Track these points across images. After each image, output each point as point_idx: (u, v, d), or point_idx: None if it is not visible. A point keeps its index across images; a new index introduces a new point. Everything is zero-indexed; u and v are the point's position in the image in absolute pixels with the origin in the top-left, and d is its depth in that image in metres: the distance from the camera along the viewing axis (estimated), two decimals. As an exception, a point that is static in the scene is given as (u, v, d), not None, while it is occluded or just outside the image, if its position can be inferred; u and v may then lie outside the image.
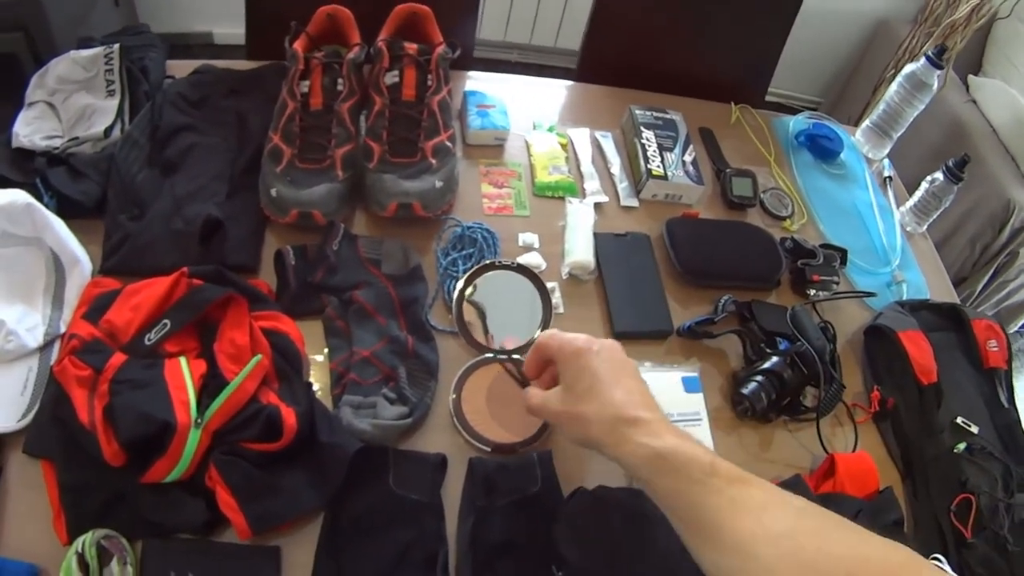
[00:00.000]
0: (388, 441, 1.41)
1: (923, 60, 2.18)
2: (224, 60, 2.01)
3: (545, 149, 2.05)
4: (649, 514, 1.30)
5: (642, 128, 2.09)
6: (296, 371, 1.44)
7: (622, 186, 2.04)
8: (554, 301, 1.69)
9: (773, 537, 1.00)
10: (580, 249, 1.79)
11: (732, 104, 2.44)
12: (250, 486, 1.24)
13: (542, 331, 1.62)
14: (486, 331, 1.63)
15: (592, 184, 2.02)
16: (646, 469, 1.10)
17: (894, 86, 2.29)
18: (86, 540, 1.15)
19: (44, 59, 1.78)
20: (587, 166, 2.06)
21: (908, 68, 2.23)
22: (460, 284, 1.65)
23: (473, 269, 1.67)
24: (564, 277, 1.78)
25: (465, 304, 1.64)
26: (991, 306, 4.12)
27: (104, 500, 1.23)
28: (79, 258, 1.48)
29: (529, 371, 1.35)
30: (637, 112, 2.14)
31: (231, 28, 4.41)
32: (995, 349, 1.79)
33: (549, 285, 1.71)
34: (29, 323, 1.38)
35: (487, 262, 1.69)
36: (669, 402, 1.53)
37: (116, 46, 1.77)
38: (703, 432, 1.52)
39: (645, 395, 1.19)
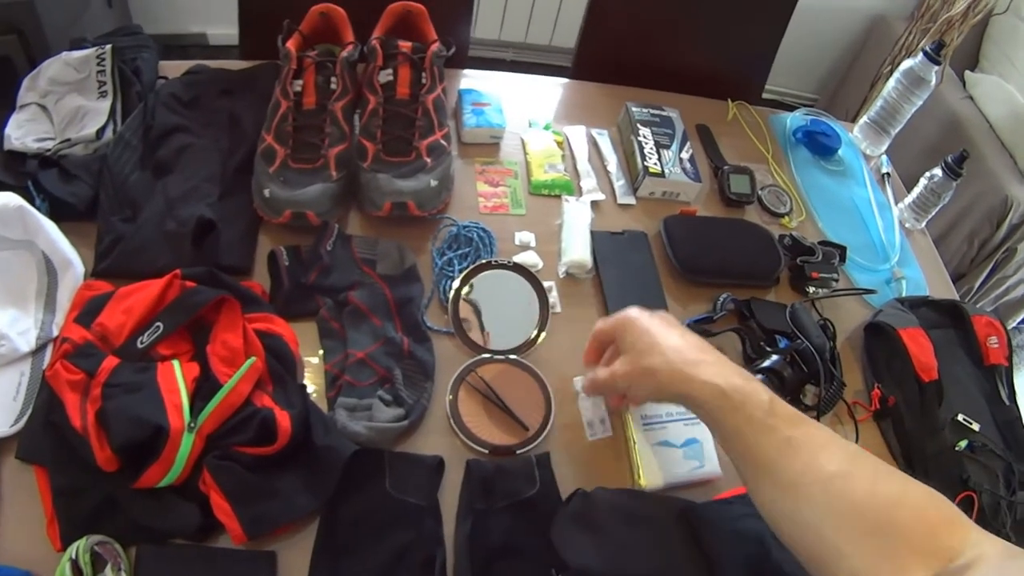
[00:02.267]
0: (384, 444, 1.40)
1: (921, 56, 2.18)
2: (218, 60, 2.00)
3: (541, 147, 2.04)
4: (649, 515, 1.30)
5: (639, 125, 2.08)
6: (290, 373, 1.43)
7: (619, 184, 2.03)
8: (551, 300, 1.67)
9: (826, 477, 1.08)
10: (577, 248, 1.79)
11: (729, 101, 2.43)
12: (244, 490, 1.23)
13: (539, 331, 1.62)
14: (482, 331, 1.62)
15: (589, 182, 2.01)
16: (710, 406, 1.20)
17: (892, 82, 2.28)
18: (80, 546, 1.14)
19: (38, 61, 1.77)
20: (583, 164, 2.05)
21: (906, 64, 2.22)
22: (456, 284, 1.64)
23: (469, 269, 1.66)
24: (561, 276, 1.77)
25: (461, 304, 1.63)
26: (989, 302, 4.12)
27: (97, 505, 1.21)
28: (71, 261, 1.47)
29: (589, 358, 1.45)
30: (634, 109, 2.13)
31: (225, 29, 4.42)
32: (995, 346, 1.78)
33: (546, 284, 1.69)
34: (21, 327, 1.37)
35: (483, 262, 1.68)
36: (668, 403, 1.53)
37: (108, 47, 1.76)
38: (703, 430, 1.51)
39: (700, 342, 1.30)
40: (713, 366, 1.23)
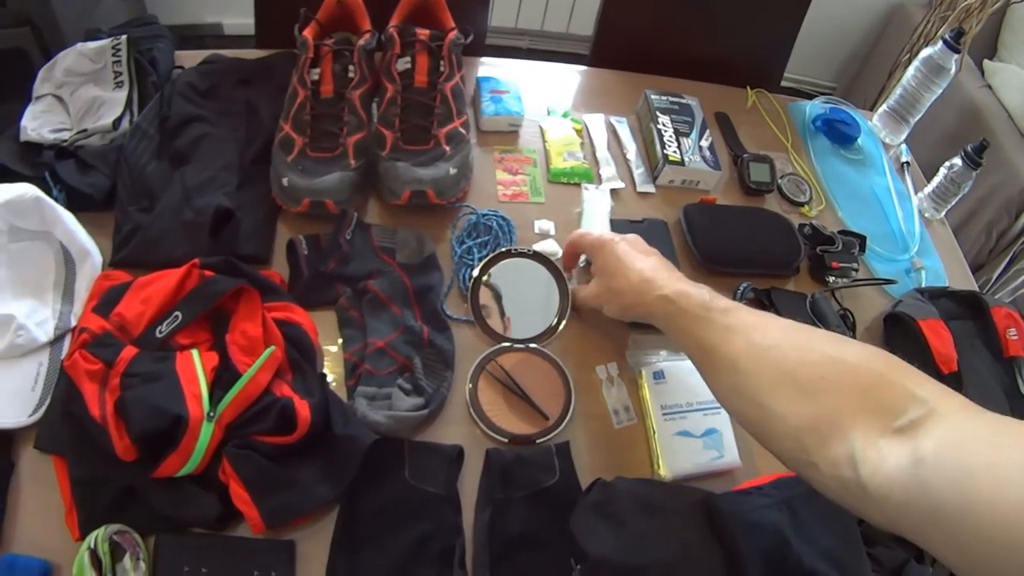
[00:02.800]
0: (404, 433, 1.39)
1: (940, 44, 2.16)
2: (234, 50, 2.00)
3: (560, 135, 2.03)
4: (668, 506, 1.29)
5: (658, 113, 2.07)
6: (310, 362, 1.42)
7: (638, 172, 2.02)
8: (571, 288, 1.66)
9: (759, 350, 1.17)
10: (597, 236, 1.77)
11: (748, 88, 2.42)
12: (264, 480, 1.23)
13: (559, 319, 1.62)
14: (502, 320, 1.61)
15: (608, 170, 2.00)
16: (662, 315, 1.37)
17: (911, 70, 2.27)
18: (98, 536, 1.14)
19: (52, 53, 1.77)
20: (603, 152, 2.04)
21: (925, 52, 2.21)
22: (475, 272, 1.63)
23: (488, 257, 1.65)
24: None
25: (481, 292, 1.63)
26: (1007, 293, 4.10)
27: (116, 495, 1.21)
28: (89, 251, 1.47)
29: (567, 262, 1.68)
30: (653, 97, 2.12)
31: (241, 19, 4.42)
32: (1015, 338, 1.77)
33: (565, 273, 1.68)
34: (39, 317, 1.37)
35: (503, 250, 1.67)
36: (689, 390, 1.52)
37: (123, 37, 1.76)
38: (723, 420, 1.51)
39: (662, 263, 1.47)
40: (665, 280, 1.38)
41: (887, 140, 2.42)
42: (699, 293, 1.32)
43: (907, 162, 2.36)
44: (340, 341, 1.53)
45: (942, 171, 2.15)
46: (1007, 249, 3.93)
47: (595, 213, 1.83)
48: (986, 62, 4.40)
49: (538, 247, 1.73)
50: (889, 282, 1.93)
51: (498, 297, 1.63)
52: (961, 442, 0.89)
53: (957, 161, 2.10)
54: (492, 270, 1.65)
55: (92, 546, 1.13)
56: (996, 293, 4.05)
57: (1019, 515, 0.77)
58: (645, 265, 1.43)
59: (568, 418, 1.50)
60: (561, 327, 1.63)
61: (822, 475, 1.02)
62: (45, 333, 1.36)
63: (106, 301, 1.39)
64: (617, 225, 1.83)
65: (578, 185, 1.93)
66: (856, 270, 1.90)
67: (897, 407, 0.97)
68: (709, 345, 1.24)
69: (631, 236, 1.54)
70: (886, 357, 1.07)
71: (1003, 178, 3.79)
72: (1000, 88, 4.21)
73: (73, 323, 1.40)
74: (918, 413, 0.95)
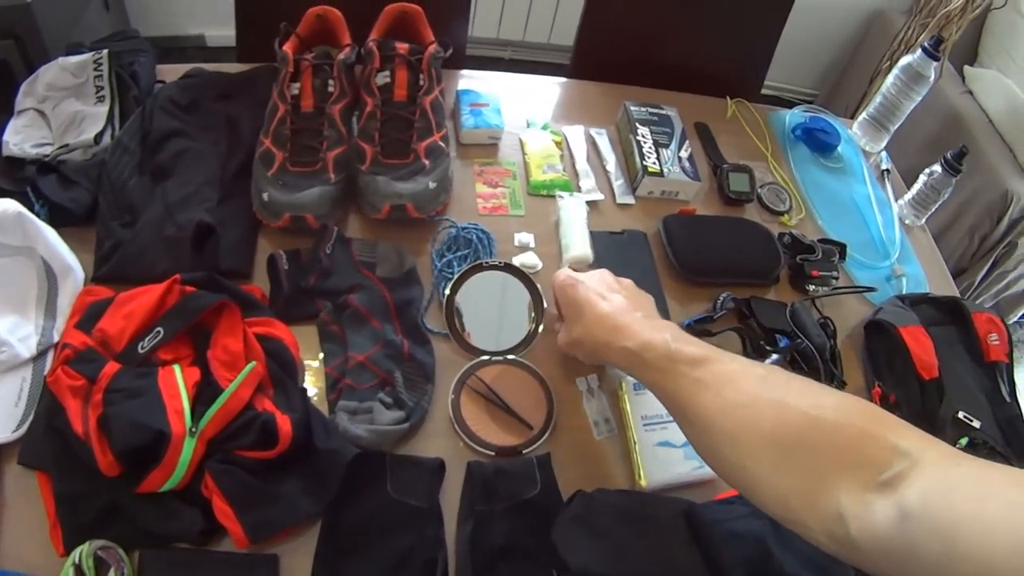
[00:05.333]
0: (385, 446, 1.40)
1: (919, 51, 2.17)
2: (216, 63, 2.00)
3: (539, 147, 2.04)
4: (649, 516, 1.30)
5: (637, 124, 2.08)
6: (291, 377, 1.43)
7: (618, 183, 2.03)
8: (546, 301, 1.67)
9: (733, 408, 1.12)
10: (577, 244, 1.79)
11: (728, 98, 2.43)
12: (246, 494, 1.23)
13: (535, 327, 1.63)
14: (478, 334, 1.62)
15: (587, 182, 2.01)
16: (629, 369, 1.31)
17: (890, 78, 2.28)
18: (83, 551, 1.14)
19: (36, 66, 1.77)
20: (582, 164, 2.05)
21: (904, 60, 2.22)
22: (447, 291, 1.63)
23: (461, 272, 1.66)
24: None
25: (456, 307, 1.63)
26: (990, 297, 4.12)
27: (100, 510, 1.22)
28: (71, 266, 1.47)
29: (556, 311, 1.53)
30: (632, 108, 2.13)
31: (223, 30, 4.39)
32: (996, 343, 1.78)
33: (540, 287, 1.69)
34: (22, 333, 1.37)
35: (474, 264, 1.67)
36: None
37: (105, 51, 1.76)
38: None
39: (630, 301, 1.39)
40: (628, 328, 1.30)
41: (867, 148, 2.43)
42: (664, 342, 1.24)
43: (887, 169, 2.37)
44: (321, 356, 1.53)
45: (922, 178, 2.16)
46: (989, 253, 3.95)
47: (572, 221, 1.83)
48: (967, 68, 4.42)
49: (518, 260, 1.74)
50: (869, 289, 1.94)
51: (473, 312, 1.64)
52: (946, 492, 0.89)
53: (937, 168, 2.11)
54: (466, 284, 1.65)
55: (77, 561, 1.13)
56: (979, 297, 4.08)
57: (1005, 564, 0.77)
58: (608, 309, 1.35)
59: (551, 427, 1.51)
60: (538, 335, 1.64)
61: (813, 532, 1.01)
62: (28, 349, 1.36)
63: (88, 317, 1.39)
64: (597, 237, 1.83)
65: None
66: (836, 278, 1.91)
67: (881, 461, 0.96)
68: (680, 400, 1.20)
69: (596, 273, 1.47)
70: (864, 407, 1.06)
71: (985, 183, 3.81)
72: (981, 94, 4.23)
73: (56, 339, 1.40)
74: (902, 465, 0.94)
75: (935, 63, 2.17)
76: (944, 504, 0.88)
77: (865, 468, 0.97)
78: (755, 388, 1.14)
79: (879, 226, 2.18)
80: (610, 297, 1.38)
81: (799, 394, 1.11)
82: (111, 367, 1.28)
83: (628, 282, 1.47)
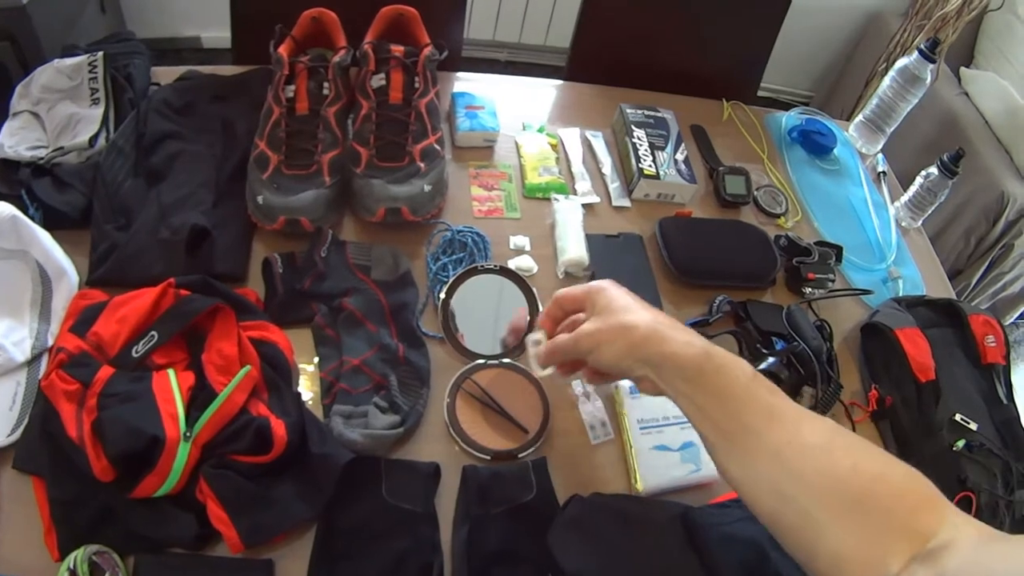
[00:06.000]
0: (380, 451, 1.40)
1: (915, 54, 2.18)
2: (212, 65, 2.00)
3: (535, 150, 2.04)
4: (645, 520, 1.30)
5: (633, 127, 2.08)
6: (286, 381, 1.42)
7: (614, 186, 2.03)
8: (541, 305, 1.67)
9: (808, 448, 1.06)
10: (572, 246, 1.79)
11: (724, 101, 2.43)
12: (241, 499, 1.23)
13: (529, 333, 1.61)
14: (474, 337, 1.62)
15: (583, 185, 2.01)
16: (691, 367, 1.14)
17: (887, 80, 2.28)
18: (78, 556, 1.14)
19: (32, 68, 1.77)
20: (578, 166, 2.05)
21: (901, 62, 2.23)
22: (443, 295, 1.64)
23: (456, 276, 1.66)
24: (560, 276, 1.78)
25: (451, 310, 1.64)
26: (987, 298, 4.13)
27: (95, 515, 1.22)
28: (66, 270, 1.47)
29: (545, 324, 1.38)
30: (628, 111, 2.13)
31: (220, 32, 4.37)
32: (993, 345, 1.78)
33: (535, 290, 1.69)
34: (16, 337, 1.37)
35: (469, 268, 1.68)
36: (665, 404, 1.51)
37: (100, 54, 1.76)
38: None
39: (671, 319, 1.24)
40: (689, 333, 1.20)
41: (863, 150, 2.44)
42: (737, 358, 1.16)
43: (883, 171, 2.37)
44: (316, 359, 1.53)
45: (918, 180, 2.16)
46: (986, 255, 3.95)
47: (567, 224, 1.83)
48: (963, 70, 4.42)
49: (514, 262, 1.74)
50: (865, 292, 1.94)
51: (469, 315, 1.64)
52: (982, 564, 0.91)
53: (933, 170, 2.12)
54: (461, 288, 1.66)
55: (72, 566, 1.13)
56: (976, 298, 4.08)
57: None
58: (653, 310, 1.25)
59: (547, 431, 1.51)
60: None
61: None
62: (22, 353, 1.36)
63: (83, 320, 1.38)
64: (593, 240, 1.84)
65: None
66: (833, 281, 1.91)
67: (932, 531, 0.97)
68: (748, 423, 1.10)
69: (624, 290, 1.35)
70: (924, 478, 1.05)
71: (981, 185, 3.81)
72: (977, 96, 4.23)
73: (50, 342, 1.40)
74: (947, 536, 0.95)
75: (931, 65, 2.17)
76: (978, 572, 0.90)
77: (918, 535, 0.97)
78: (831, 435, 1.09)
79: (875, 228, 2.18)
80: (648, 307, 1.28)
81: (868, 450, 1.09)
82: (105, 371, 1.28)
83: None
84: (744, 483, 1.11)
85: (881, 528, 0.99)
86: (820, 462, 1.05)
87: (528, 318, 1.66)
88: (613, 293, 1.28)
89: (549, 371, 1.36)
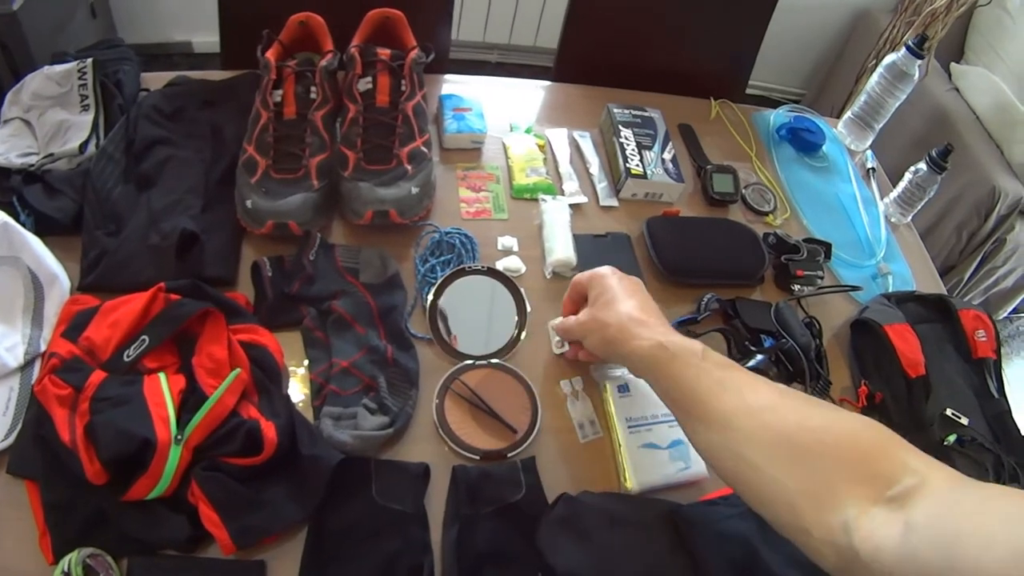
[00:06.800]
0: (370, 452, 1.40)
1: (904, 50, 2.18)
2: (202, 69, 2.01)
3: (523, 151, 2.04)
4: (634, 519, 1.30)
5: (620, 127, 2.09)
6: (275, 384, 1.43)
7: (601, 186, 2.04)
8: (528, 305, 1.67)
9: (754, 410, 1.16)
10: (560, 247, 1.79)
11: (711, 99, 2.44)
12: (232, 501, 1.24)
13: (519, 331, 1.63)
14: (463, 338, 1.63)
15: (571, 185, 2.01)
16: (649, 358, 1.30)
17: (875, 77, 2.29)
18: (72, 559, 1.14)
19: (22, 74, 1.78)
20: (565, 167, 2.06)
21: (889, 58, 2.23)
22: (431, 296, 1.65)
23: (443, 277, 1.67)
24: (548, 277, 1.78)
25: (440, 311, 1.64)
26: (979, 293, 4.13)
27: (88, 518, 1.22)
28: (57, 276, 1.48)
29: (566, 309, 1.59)
30: (615, 110, 2.14)
31: (210, 36, 4.36)
32: (983, 339, 1.78)
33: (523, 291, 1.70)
34: (9, 342, 1.38)
35: (456, 269, 1.69)
36: (654, 402, 1.52)
37: (89, 60, 1.77)
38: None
39: (653, 308, 1.42)
40: (656, 328, 1.34)
41: (852, 147, 2.44)
42: (691, 344, 1.29)
43: (872, 168, 2.38)
44: (306, 362, 1.54)
45: (907, 176, 2.17)
46: (977, 250, 3.96)
47: (555, 224, 1.84)
48: (953, 65, 4.43)
49: (502, 263, 1.75)
50: (854, 288, 1.95)
51: (457, 316, 1.65)
52: (950, 510, 0.92)
53: (922, 166, 2.12)
54: (449, 289, 1.66)
55: (66, 570, 1.13)
56: (968, 293, 4.09)
57: (1003, 574, 0.80)
58: (635, 306, 1.40)
59: (536, 430, 1.51)
60: (522, 339, 1.65)
61: (814, 540, 1.02)
62: (15, 358, 1.36)
63: (75, 326, 1.39)
64: (580, 240, 1.84)
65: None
66: (822, 278, 1.91)
67: (891, 476, 0.99)
68: (700, 398, 1.21)
69: (631, 277, 1.50)
70: (881, 428, 1.09)
71: (972, 180, 3.82)
72: (967, 91, 4.24)
73: (43, 348, 1.40)
74: (911, 483, 0.97)
75: (919, 61, 2.18)
76: (947, 520, 0.91)
77: (876, 482, 1.00)
78: (778, 396, 1.18)
79: (865, 225, 2.19)
80: (639, 298, 1.43)
81: (819, 406, 1.17)
82: (97, 376, 1.28)
83: (638, 289, 1.50)
84: (707, 451, 1.23)
85: (832, 475, 1.04)
86: (765, 420, 1.14)
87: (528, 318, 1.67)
88: (606, 283, 1.46)
89: (565, 348, 1.64)
